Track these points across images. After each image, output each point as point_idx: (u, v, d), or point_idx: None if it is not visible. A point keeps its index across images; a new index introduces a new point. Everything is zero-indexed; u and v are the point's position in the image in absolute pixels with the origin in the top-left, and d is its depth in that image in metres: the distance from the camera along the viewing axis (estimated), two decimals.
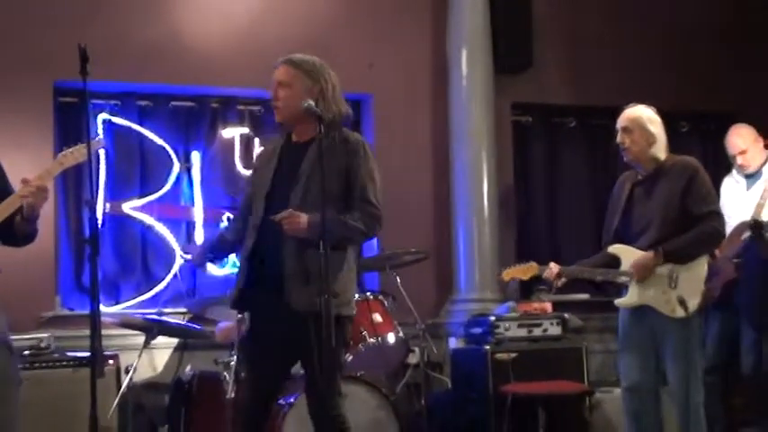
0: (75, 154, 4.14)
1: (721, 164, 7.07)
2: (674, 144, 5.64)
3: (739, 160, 6.10)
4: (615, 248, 5.13)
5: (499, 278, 5.47)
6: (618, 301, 5.15)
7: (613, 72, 7.90)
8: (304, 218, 4.03)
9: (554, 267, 5.14)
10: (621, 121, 5.15)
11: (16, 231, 4.07)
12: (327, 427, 4.10)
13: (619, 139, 5.16)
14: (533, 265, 5.21)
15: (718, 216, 5.03)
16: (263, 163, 4.42)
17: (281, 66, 4.29)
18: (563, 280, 5.18)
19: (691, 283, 4.94)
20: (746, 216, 5.80)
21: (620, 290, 5.17)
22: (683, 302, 4.89)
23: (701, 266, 4.97)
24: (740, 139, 6.12)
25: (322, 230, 3.86)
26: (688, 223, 4.96)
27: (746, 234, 5.71)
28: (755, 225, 5.61)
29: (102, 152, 6.57)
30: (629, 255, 5.07)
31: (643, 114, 5.12)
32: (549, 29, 7.75)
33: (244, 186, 4.90)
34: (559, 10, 7.84)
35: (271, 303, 4.15)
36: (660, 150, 5.09)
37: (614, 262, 5.11)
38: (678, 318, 4.91)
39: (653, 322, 5.01)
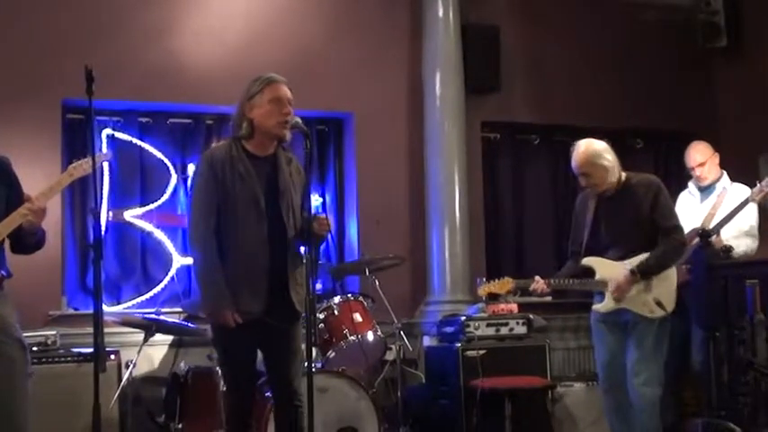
0: (84, 166, 4.17)
1: (672, 178, 7.12)
2: (629, 160, 5.66)
3: (698, 172, 6.15)
4: (589, 261, 5.17)
5: (477, 292, 5.46)
6: (596, 307, 5.17)
7: (573, 94, 7.93)
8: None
9: (540, 281, 5.11)
10: (577, 169, 5.12)
11: (24, 242, 4.07)
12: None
13: (583, 183, 5.16)
14: (507, 280, 5.22)
15: (679, 229, 5.13)
16: (239, 174, 4.18)
17: (286, 86, 4.32)
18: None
19: (665, 287, 5.04)
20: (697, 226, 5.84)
21: (593, 294, 5.21)
22: (659, 303, 4.97)
23: (673, 272, 5.09)
24: (699, 153, 6.18)
25: (308, 238, 4.00)
26: (655, 235, 5.04)
27: (695, 241, 5.74)
28: (703, 233, 5.63)
29: (105, 164, 6.53)
30: (602, 266, 5.14)
31: (591, 155, 5.08)
32: (515, 55, 7.77)
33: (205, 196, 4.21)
34: (524, 39, 7.86)
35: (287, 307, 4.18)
36: (616, 173, 5.10)
37: (589, 272, 5.15)
38: (654, 317, 4.96)
39: (628, 323, 5.05)
